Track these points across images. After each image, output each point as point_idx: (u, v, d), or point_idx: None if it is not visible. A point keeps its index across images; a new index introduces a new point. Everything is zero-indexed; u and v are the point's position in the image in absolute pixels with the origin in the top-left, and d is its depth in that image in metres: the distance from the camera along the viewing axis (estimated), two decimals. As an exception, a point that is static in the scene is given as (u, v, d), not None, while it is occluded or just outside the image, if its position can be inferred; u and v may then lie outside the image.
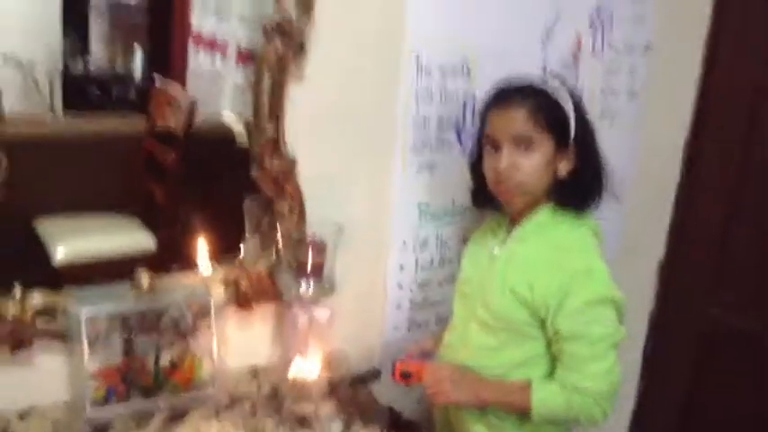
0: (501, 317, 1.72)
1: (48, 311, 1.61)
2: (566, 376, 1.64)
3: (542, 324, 1.67)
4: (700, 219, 2.68)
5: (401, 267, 2.11)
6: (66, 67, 1.90)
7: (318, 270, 1.79)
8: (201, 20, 1.96)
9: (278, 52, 1.71)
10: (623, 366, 1.67)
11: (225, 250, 1.84)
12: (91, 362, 1.61)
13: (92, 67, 1.99)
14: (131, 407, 1.67)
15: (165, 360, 1.70)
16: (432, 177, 2.08)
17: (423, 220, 2.10)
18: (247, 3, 1.90)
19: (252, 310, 1.85)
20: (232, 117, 1.92)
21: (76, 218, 1.81)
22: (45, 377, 1.66)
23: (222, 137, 1.92)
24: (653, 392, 2.89)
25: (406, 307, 2.16)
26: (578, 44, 2.23)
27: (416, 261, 2.13)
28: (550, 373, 1.69)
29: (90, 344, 1.61)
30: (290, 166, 1.81)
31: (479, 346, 1.76)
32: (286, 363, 1.80)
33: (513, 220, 1.78)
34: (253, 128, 1.79)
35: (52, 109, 1.87)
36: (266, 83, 1.74)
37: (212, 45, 1.96)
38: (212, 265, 1.80)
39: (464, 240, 2.10)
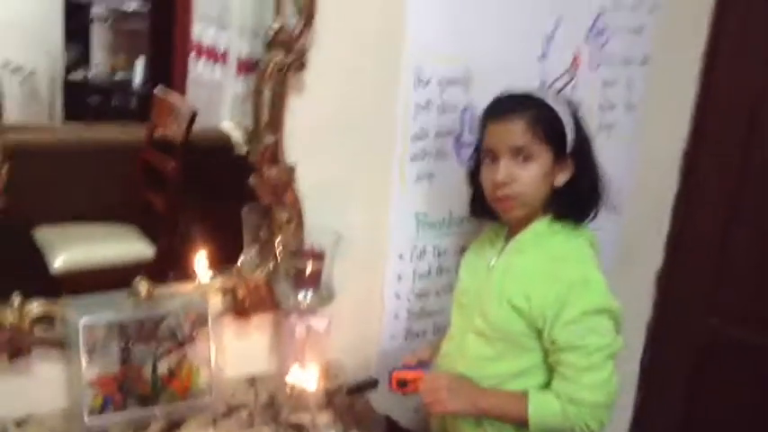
0: (498, 327, 1.72)
1: (46, 320, 1.61)
2: (562, 387, 1.64)
3: (539, 335, 1.67)
4: (697, 229, 2.68)
5: (399, 277, 2.11)
6: (66, 75, 1.91)
7: (316, 279, 1.80)
8: (202, 29, 1.97)
9: (278, 63, 1.72)
10: (621, 377, 1.67)
11: (223, 259, 1.84)
12: (88, 370, 1.62)
13: (92, 76, 2.00)
14: (128, 415, 1.67)
15: (163, 369, 1.70)
16: (430, 187, 2.08)
17: (420, 230, 2.11)
18: (248, 13, 1.91)
19: (249, 318, 1.85)
20: (231, 126, 1.92)
21: (75, 226, 1.82)
22: (43, 385, 1.66)
23: (221, 146, 1.92)
24: (651, 403, 2.89)
25: (403, 317, 2.16)
26: (576, 57, 2.24)
27: (414, 271, 2.13)
28: (547, 384, 1.69)
29: (88, 352, 1.61)
30: (288, 175, 1.82)
31: (477, 356, 1.76)
32: (283, 372, 1.80)
33: (511, 230, 1.78)
34: (252, 137, 1.79)
35: (53, 117, 1.88)
36: (266, 93, 1.74)
37: (213, 54, 1.97)
38: (210, 273, 1.80)
39: (462, 250, 2.10)
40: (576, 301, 1.62)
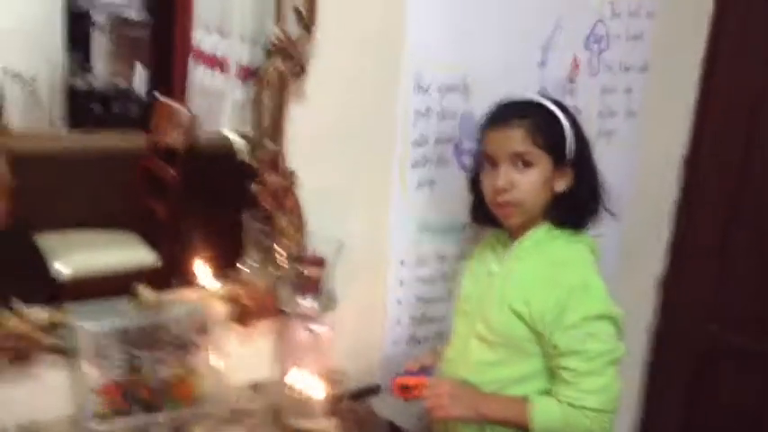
0: (500, 333, 1.73)
1: (50, 326, 1.61)
2: (563, 392, 1.64)
3: (541, 340, 1.67)
4: (697, 235, 2.69)
5: (401, 283, 2.12)
6: (68, 82, 1.91)
7: (318, 286, 1.80)
8: (203, 36, 1.97)
9: (278, 71, 1.73)
10: (623, 382, 1.67)
11: (225, 266, 1.84)
12: (93, 377, 1.62)
13: (94, 83, 2.01)
14: (133, 422, 1.67)
15: (167, 375, 1.71)
16: (431, 194, 2.09)
17: (422, 236, 2.12)
18: (248, 20, 1.92)
19: (252, 325, 1.86)
20: (232, 133, 1.93)
21: (78, 233, 1.82)
22: (47, 392, 1.66)
23: (223, 153, 1.93)
24: (652, 408, 2.89)
25: (405, 323, 2.17)
26: (575, 63, 2.25)
27: (416, 277, 2.14)
28: (549, 389, 1.69)
29: (92, 359, 1.62)
30: (289, 182, 1.83)
31: (479, 361, 1.77)
32: (286, 378, 1.81)
33: (512, 236, 1.79)
34: (253, 144, 1.80)
35: (54, 124, 1.88)
36: (267, 100, 1.76)
37: (213, 62, 1.97)
38: (213, 280, 1.81)
39: (463, 256, 2.11)
40: (577, 306, 1.63)
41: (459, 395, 1.70)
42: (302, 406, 1.76)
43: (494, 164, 1.71)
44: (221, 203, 1.90)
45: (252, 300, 1.84)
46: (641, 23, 2.38)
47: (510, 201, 1.70)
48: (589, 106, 2.31)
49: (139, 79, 2.03)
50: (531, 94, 1.82)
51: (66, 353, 1.64)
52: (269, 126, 1.78)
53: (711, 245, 2.65)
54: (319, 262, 1.81)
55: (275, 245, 1.85)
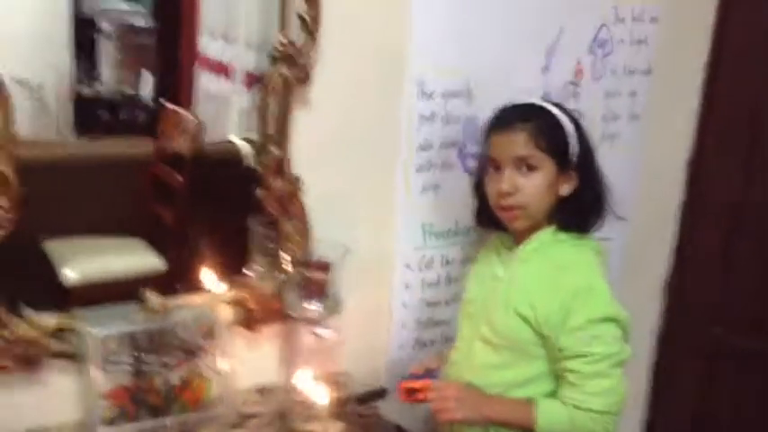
0: (505, 336, 1.73)
1: (59, 332, 1.62)
2: (569, 394, 1.65)
3: (546, 343, 1.68)
4: (702, 238, 2.69)
5: (406, 287, 2.13)
6: (75, 89, 1.92)
7: (324, 290, 1.81)
8: (209, 43, 1.99)
9: (283, 77, 1.73)
10: (630, 384, 1.67)
11: (232, 271, 1.85)
12: (101, 382, 1.63)
13: (100, 90, 2.02)
14: (141, 426, 1.68)
15: (174, 380, 1.72)
16: (435, 198, 2.10)
17: (427, 239, 2.12)
18: (254, 27, 1.93)
19: (258, 329, 1.87)
20: (239, 139, 1.94)
21: (85, 240, 1.83)
22: (56, 397, 1.68)
23: (229, 159, 1.94)
24: (659, 411, 2.89)
25: (411, 326, 2.17)
26: (579, 68, 2.26)
27: (421, 281, 2.15)
28: (554, 392, 1.70)
29: (100, 364, 1.62)
30: (294, 187, 1.83)
31: (484, 364, 1.78)
32: (293, 382, 1.82)
33: (517, 240, 1.80)
34: (258, 150, 1.81)
35: (61, 132, 1.89)
36: (272, 107, 1.76)
37: (220, 68, 1.99)
38: (219, 285, 1.82)
39: (468, 260, 2.12)
40: (581, 308, 1.63)
41: (464, 398, 1.70)
42: (308, 410, 1.77)
43: (498, 168, 1.72)
44: (227, 209, 1.91)
45: (258, 304, 1.85)
46: (645, 28, 2.39)
47: (514, 204, 1.71)
48: (593, 110, 2.32)
49: (146, 86, 2.04)
50: (535, 99, 1.83)
51: (74, 358, 1.65)
52: (274, 132, 1.78)
53: (716, 247, 2.65)
54: (325, 266, 1.81)
55: (281, 250, 1.86)
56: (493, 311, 1.75)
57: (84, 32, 1.93)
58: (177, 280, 1.83)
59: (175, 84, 2.02)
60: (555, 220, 1.75)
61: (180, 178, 1.89)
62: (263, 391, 1.91)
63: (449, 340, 2.09)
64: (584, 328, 1.62)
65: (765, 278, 2.55)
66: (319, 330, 1.80)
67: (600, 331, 1.63)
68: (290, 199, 1.84)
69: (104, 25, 1.99)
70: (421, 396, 1.75)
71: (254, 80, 1.90)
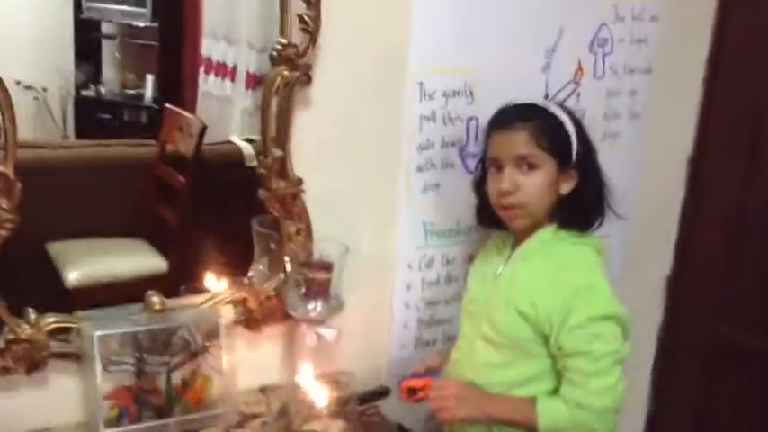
0: (506, 334, 1.74)
1: (61, 333, 1.63)
2: (570, 392, 1.65)
3: (546, 341, 1.68)
4: (705, 236, 2.68)
5: (408, 286, 2.13)
6: (78, 92, 1.93)
7: (325, 289, 1.81)
8: (211, 45, 2.00)
9: (284, 78, 1.74)
10: (632, 383, 1.68)
11: (234, 271, 1.86)
12: (104, 382, 1.63)
13: (104, 93, 2.03)
14: (144, 427, 1.68)
15: (177, 380, 1.72)
16: (436, 197, 2.10)
17: (428, 239, 2.13)
18: (255, 29, 1.94)
19: (261, 329, 1.87)
20: (240, 140, 1.95)
21: (88, 241, 1.84)
22: (59, 398, 1.68)
23: (232, 160, 1.95)
24: (662, 410, 2.88)
25: (413, 326, 2.18)
26: (579, 67, 2.26)
27: (423, 280, 2.15)
28: (555, 391, 1.70)
29: (103, 365, 1.63)
30: (296, 188, 1.84)
31: (485, 363, 1.78)
32: (295, 382, 1.82)
33: (518, 239, 1.80)
34: (260, 151, 1.81)
35: (65, 134, 1.90)
36: (273, 107, 1.77)
37: (222, 70, 2.00)
38: (222, 285, 1.82)
39: (470, 259, 2.12)
40: (582, 306, 1.63)
41: (466, 396, 1.71)
42: (310, 409, 1.77)
43: (498, 167, 1.72)
44: (229, 210, 1.92)
45: (260, 305, 1.85)
46: (645, 27, 2.38)
47: (515, 203, 1.71)
48: (594, 109, 2.32)
49: (149, 88, 2.05)
50: (535, 98, 1.83)
51: (77, 359, 1.66)
52: (275, 133, 1.79)
53: (718, 246, 2.65)
54: (326, 266, 1.82)
55: (283, 250, 1.86)
56: (494, 310, 1.76)
57: (87, 35, 1.94)
58: (179, 280, 1.84)
59: (178, 85, 2.03)
60: (555, 218, 1.76)
61: (182, 179, 1.90)
62: (265, 390, 1.91)
63: (450, 339, 2.09)
64: (585, 326, 1.63)
65: (767, 277, 2.55)
66: (321, 330, 1.80)
67: (600, 329, 1.64)
68: (292, 199, 1.84)
69: (108, 28, 2.01)
70: (422, 395, 1.75)
71: (255, 81, 1.91)
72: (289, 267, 1.85)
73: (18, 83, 1.65)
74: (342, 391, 1.84)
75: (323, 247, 1.85)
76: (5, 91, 1.49)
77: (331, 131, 1.89)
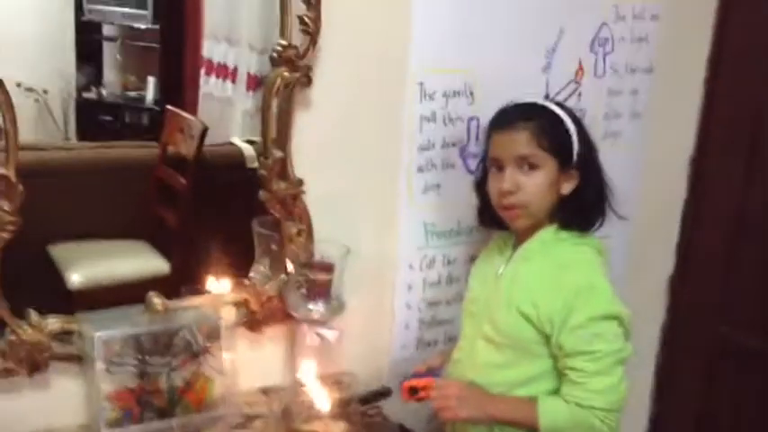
0: (507, 334, 1.74)
1: (63, 335, 1.64)
2: (571, 392, 1.65)
3: (548, 341, 1.68)
4: (706, 236, 2.68)
5: (409, 287, 2.13)
6: (79, 94, 1.94)
7: (327, 290, 1.81)
8: (212, 46, 2.00)
9: (285, 79, 1.74)
10: (634, 383, 1.68)
11: (235, 272, 1.85)
12: (106, 384, 1.64)
13: (105, 94, 2.03)
14: (146, 428, 1.69)
15: (178, 381, 1.72)
16: (437, 198, 2.10)
17: (429, 239, 2.13)
18: (256, 30, 1.94)
19: (262, 331, 1.87)
20: (241, 141, 1.95)
21: (90, 243, 1.84)
22: (61, 400, 1.69)
23: (233, 161, 1.95)
24: (665, 409, 2.88)
25: (414, 326, 2.18)
26: (580, 66, 2.26)
27: (424, 281, 2.15)
28: (556, 391, 1.70)
29: (105, 366, 1.63)
30: (296, 189, 1.84)
31: (486, 363, 1.78)
32: (296, 382, 1.82)
33: (519, 239, 1.80)
34: (261, 152, 1.82)
35: (66, 136, 1.90)
36: (273, 109, 1.77)
37: (223, 71, 2.00)
38: (223, 287, 1.82)
39: (471, 259, 2.12)
40: (583, 306, 1.63)
41: (467, 396, 1.71)
42: (312, 410, 1.77)
43: (499, 167, 1.72)
44: (230, 211, 1.92)
45: (261, 306, 1.85)
46: (646, 26, 2.38)
47: (516, 203, 1.71)
48: (595, 108, 2.32)
49: (150, 89, 2.06)
50: (536, 98, 1.83)
51: (78, 360, 1.66)
52: (276, 134, 1.79)
53: (719, 246, 2.64)
54: (327, 267, 1.82)
55: (284, 251, 1.86)
56: (495, 310, 1.76)
57: (89, 37, 1.94)
58: (181, 282, 1.84)
59: (179, 86, 2.03)
60: (556, 218, 1.75)
61: (183, 181, 1.90)
62: (266, 391, 1.91)
63: (451, 340, 2.09)
64: (586, 326, 1.63)
65: (767, 277, 2.54)
66: (322, 331, 1.81)
67: (601, 329, 1.64)
68: (293, 200, 1.85)
69: (109, 30, 2.01)
70: (423, 395, 1.75)
71: (256, 82, 1.91)
72: (290, 268, 1.86)
73: (19, 85, 1.65)
74: (343, 392, 1.84)
75: (324, 248, 1.85)
76: (6, 93, 1.49)
77: (331, 132, 1.89)
